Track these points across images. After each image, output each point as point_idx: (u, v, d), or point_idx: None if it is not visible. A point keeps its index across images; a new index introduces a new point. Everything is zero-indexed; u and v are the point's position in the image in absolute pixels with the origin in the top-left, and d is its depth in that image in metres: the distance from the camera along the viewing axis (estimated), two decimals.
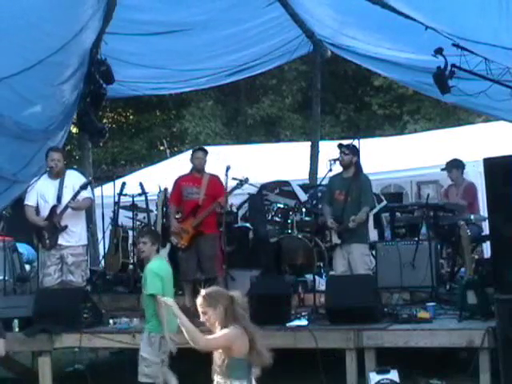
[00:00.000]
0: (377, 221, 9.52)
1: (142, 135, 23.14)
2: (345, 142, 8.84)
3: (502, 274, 6.61)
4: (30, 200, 8.58)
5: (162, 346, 6.61)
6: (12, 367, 8.39)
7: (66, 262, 8.48)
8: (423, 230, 9.21)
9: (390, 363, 6.77)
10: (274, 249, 9.47)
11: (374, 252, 8.85)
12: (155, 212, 10.23)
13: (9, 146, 9.62)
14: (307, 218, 9.77)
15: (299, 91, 22.13)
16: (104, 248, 10.39)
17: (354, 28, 9.46)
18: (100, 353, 8.98)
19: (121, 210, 10.59)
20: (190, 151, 9.44)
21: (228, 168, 8.75)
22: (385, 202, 9.63)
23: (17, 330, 7.81)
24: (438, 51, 7.73)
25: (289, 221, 9.70)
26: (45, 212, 8.53)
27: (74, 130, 14.67)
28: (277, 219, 9.84)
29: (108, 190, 11.08)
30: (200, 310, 4.69)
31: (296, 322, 7.53)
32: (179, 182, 9.03)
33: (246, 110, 22.19)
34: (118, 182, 10.86)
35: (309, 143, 12.61)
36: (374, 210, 8.87)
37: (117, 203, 10.53)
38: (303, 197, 10.27)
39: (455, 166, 9.65)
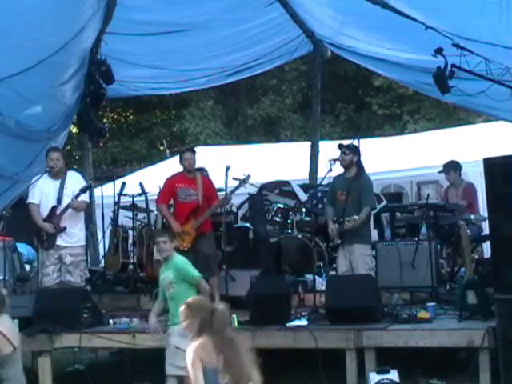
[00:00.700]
0: (377, 221, 9.52)
1: (142, 135, 23.14)
2: (345, 142, 8.83)
3: (501, 274, 6.61)
4: (35, 198, 8.61)
5: None
6: None
7: (65, 261, 8.50)
8: (423, 230, 9.21)
9: (390, 363, 6.77)
10: (273, 249, 9.47)
11: (374, 252, 8.84)
12: (155, 212, 10.23)
13: (11, 146, 9.62)
14: (307, 218, 9.76)
15: (299, 91, 22.13)
16: (104, 248, 10.39)
17: (353, 28, 9.45)
18: (100, 353, 8.99)
19: (121, 210, 10.58)
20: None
21: (228, 168, 8.76)
22: (385, 202, 9.64)
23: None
24: (438, 51, 7.72)
25: (289, 221, 9.69)
26: (44, 211, 8.56)
27: (74, 129, 14.66)
28: (277, 219, 9.83)
29: (108, 189, 11.07)
30: (181, 318, 4.91)
31: (296, 322, 7.53)
32: (171, 183, 8.98)
33: (246, 110, 22.20)
34: (118, 182, 10.85)
35: (309, 143, 12.61)
36: (375, 210, 8.86)
37: (117, 203, 10.53)
38: (303, 197, 10.27)
39: (453, 168, 9.64)
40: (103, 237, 10.41)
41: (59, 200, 8.51)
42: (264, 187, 10.57)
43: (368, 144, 10.88)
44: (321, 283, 8.65)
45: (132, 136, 23.53)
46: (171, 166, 14.44)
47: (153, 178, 12.38)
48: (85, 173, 11.03)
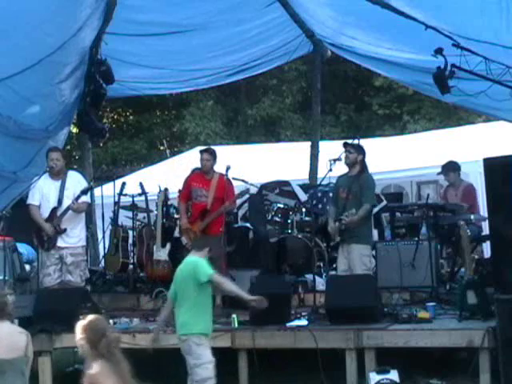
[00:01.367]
0: (377, 221, 9.52)
1: (142, 135, 23.13)
2: (349, 141, 8.84)
3: (501, 274, 6.62)
4: (35, 199, 8.62)
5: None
6: None
7: (65, 262, 8.51)
8: (423, 230, 9.21)
9: (390, 363, 6.77)
10: (273, 249, 9.47)
11: (374, 252, 8.85)
12: (155, 212, 10.22)
13: (9, 145, 9.61)
14: (307, 218, 9.76)
15: (299, 91, 22.12)
16: (104, 248, 10.39)
17: (353, 28, 9.45)
18: None
19: (121, 210, 10.58)
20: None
21: (228, 168, 8.76)
22: (385, 202, 9.63)
23: None
24: (438, 51, 7.72)
25: (289, 221, 9.69)
26: (45, 212, 8.56)
27: (74, 130, 14.65)
28: (277, 219, 9.83)
29: (108, 189, 11.07)
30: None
31: (296, 322, 7.53)
32: (189, 181, 9.05)
33: (246, 110, 22.18)
34: (118, 182, 10.86)
35: (309, 143, 12.60)
36: (375, 210, 8.86)
37: (117, 203, 10.53)
38: (303, 197, 10.26)
39: (451, 169, 9.64)
40: (103, 237, 10.41)
41: (60, 201, 8.52)
42: (264, 187, 10.57)
43: (368, 144, 10.82)
44: (321, 283, 8.66)
45: (132, 136, 23.52)
46: (171, 166, 14.52)
47: (153, 178, 12.41)
48: (85, 173, 11.02)
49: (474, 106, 9.63)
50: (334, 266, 9.01)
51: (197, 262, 6.36)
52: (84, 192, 8.54)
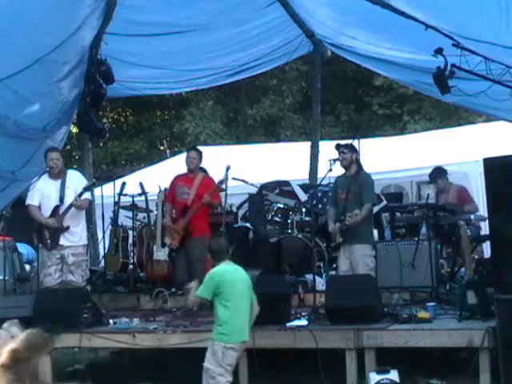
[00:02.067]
0: (377, 221, 9.51)
1: (142, 135, 23.14)
2: (342, 142, 8.84)
3: (501, 274, 6.61)
4: (34, 199, 8.61)
5: (226, 356, 6.14)
6: None
7: (67, 261, 8.50)
8: (423, 230, 9.21)
9: (389, 363, 6.76)
10: (273, 249, 9.47)
11: (374, 252, 8.84)
12: (155, 212, 10.23)
13: (6, 144, 9.60)
14: (307, 218, 9.77)
15: (299, 91, 22.12)
16: (104, 248, 10.39)
17: (353, 28, 9.45)
18: (100, 353, 8.98)
19: (121, 210, 10.59)
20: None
21: (228, 168, 8.76)
22: (385, 202, 9.63)
23: None
24: (438, 51, 7.72)
25: (289, 221, 9.70)
26: (47, 212, 8.56)
27: (74, 129, 14.66)
28: (277, 219, 9.84)
29: (108, 189, 11.07)
30: None
31: (296, 322, 7.52)
32: (175, 181, 9.08)
33: (246, 110, 22.19)
34: (118, 182, 10.86)
35: (309, 143, 12.61)
36: (375, 209, 8.86)
37: (117, 203, 10.54)
38: (303, 197, 10.27)
39: (439, 176, 9.69)
40: (103, 237, 10.41)
41: (61, 199, 8.52)
42: (264, 187, 10.57)
43: (368, 144, 10.87)
44: (321, 283, 8.66)
45: (132, 136, 23.53)
46: (171, 166, 14.50)
47: (153, 178, 12.39)
48: (85, 172, 11.02)
49: (474, 105, 9.63)
50: (334, 265, 9.01)
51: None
52: (87, 189, 8.57)
